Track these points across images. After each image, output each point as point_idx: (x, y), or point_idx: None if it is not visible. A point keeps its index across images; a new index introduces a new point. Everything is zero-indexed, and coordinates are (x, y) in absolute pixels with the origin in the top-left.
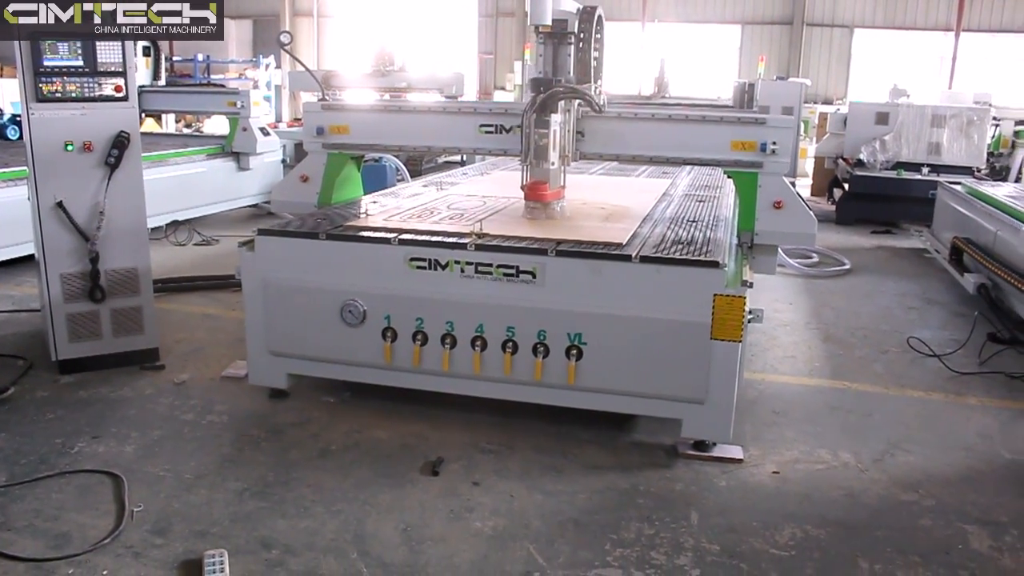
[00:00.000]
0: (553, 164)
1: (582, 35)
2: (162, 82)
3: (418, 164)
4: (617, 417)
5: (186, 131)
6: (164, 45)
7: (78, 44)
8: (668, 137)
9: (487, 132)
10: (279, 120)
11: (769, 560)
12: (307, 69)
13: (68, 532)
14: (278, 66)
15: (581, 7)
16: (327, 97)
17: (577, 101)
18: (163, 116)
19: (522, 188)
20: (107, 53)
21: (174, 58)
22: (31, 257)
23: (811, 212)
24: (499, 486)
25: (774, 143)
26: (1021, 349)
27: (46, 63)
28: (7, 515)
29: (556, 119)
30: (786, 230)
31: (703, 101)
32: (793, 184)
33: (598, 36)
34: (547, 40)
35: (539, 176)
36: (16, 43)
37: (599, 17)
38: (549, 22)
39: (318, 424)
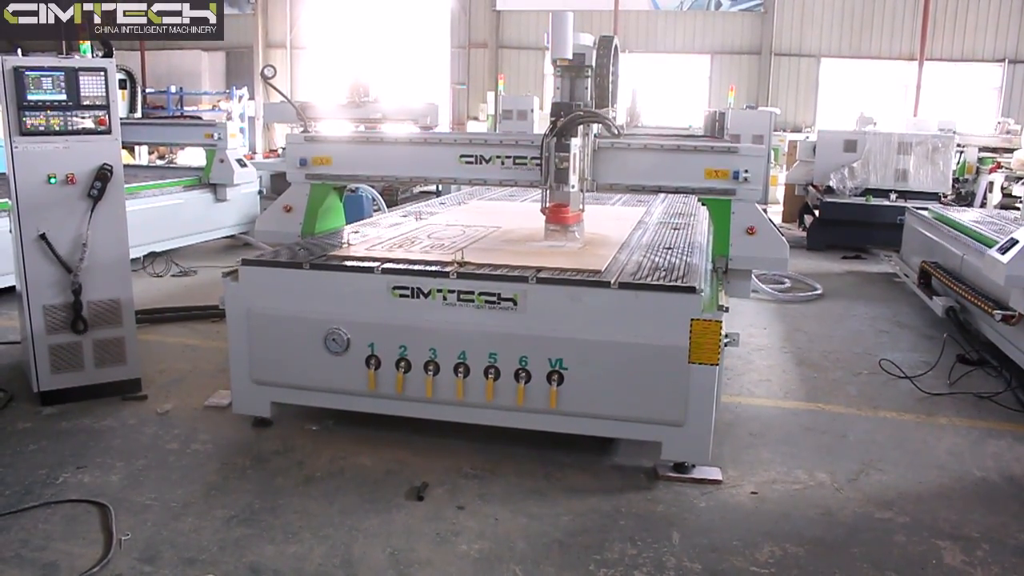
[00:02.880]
0: (573, 187)
1: (602, 61)
2: (138, 114)
3: (394, 194)
4: (598, 441)
5: (159, 162)
6: (138, 76)
7: (61, 78)
8: (649, 165)
9: (467, 162)
10: (253, 151)
11: None
12: (290, 102)
13: (56, 562)
14: (251, 97)
15: (598, 37)
16: (309, 129)
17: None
18: (135, 147)
19: (543, 211)
20: (90, 87)
21: (147, 90)
22: (9, 290)
23: (783, 238)
24: (483, 510)
25: (746, 171)
26: (989, 370)
27: (30, 97)
28: None
29: (576, 143)
30: (759, 255)
31: (675, 130)
32: (765, 211)
33: (613, 68)
34: (565, 73)
35: (559, 199)
36: (0, 77)
37: (615, 47)
38: (570, 56)
39: (302, 452)
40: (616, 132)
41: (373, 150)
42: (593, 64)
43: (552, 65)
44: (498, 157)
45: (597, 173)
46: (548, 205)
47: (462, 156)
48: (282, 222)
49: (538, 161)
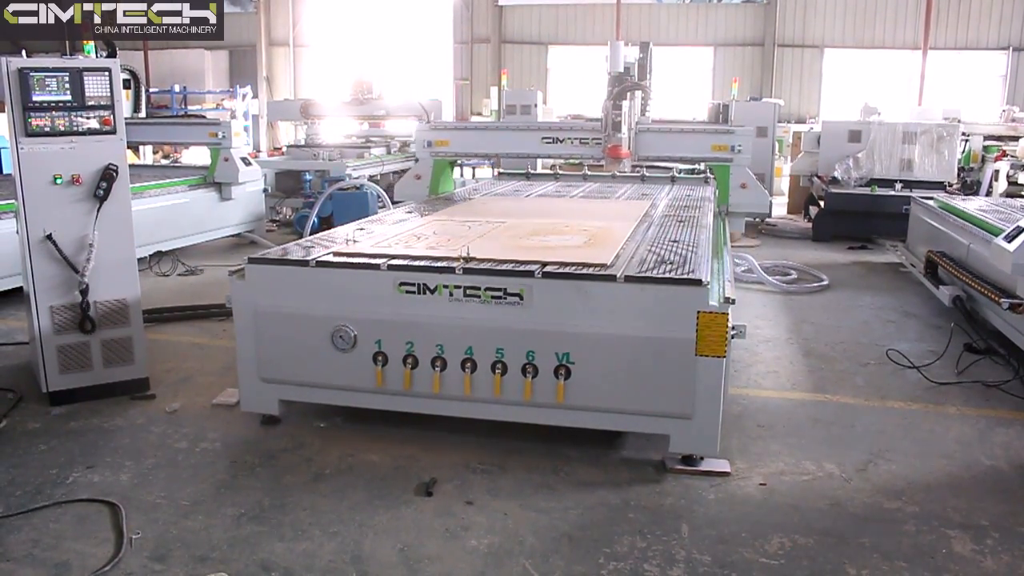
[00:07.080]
0: (623, 134)
1: (643, 54)
2: (142, 114)
3: None
4: (606, 434)
5: (164, 162)
6: (141, 76)
7: (66, 78)
8: (674, 143)
9: (547, 142)
10: (258, 150)
11: (760, 569)
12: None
13: (67, 561)
14: (255, 96)
15: (640, 42)
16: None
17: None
18: (140, 147)
19: (603, 151)
20: (95, 87)
21: (151, 89)
22: (14, 291)
23: (766, 192)
24: (492, 505)
25: (740, 145)
26: (997, 359)
27: (35, 98)
28: (5, 545)
29: (625, 104)
30: (748, 202)
31: (682, 121)
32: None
33: (650, 61)
34: (616, 81)
35: (614, 142)
36: (5, 79)
37: (650, 49)
38: (623, 70)
39: (311, 449)
40: (651, 96)
41: (479, 135)
42: (635, 64)
43: (607, 75)
44: (569, 138)
45: (639, 149)
46: (607, 146)
47: (544, 138)
48: (414, 188)
49: (599, 140)
